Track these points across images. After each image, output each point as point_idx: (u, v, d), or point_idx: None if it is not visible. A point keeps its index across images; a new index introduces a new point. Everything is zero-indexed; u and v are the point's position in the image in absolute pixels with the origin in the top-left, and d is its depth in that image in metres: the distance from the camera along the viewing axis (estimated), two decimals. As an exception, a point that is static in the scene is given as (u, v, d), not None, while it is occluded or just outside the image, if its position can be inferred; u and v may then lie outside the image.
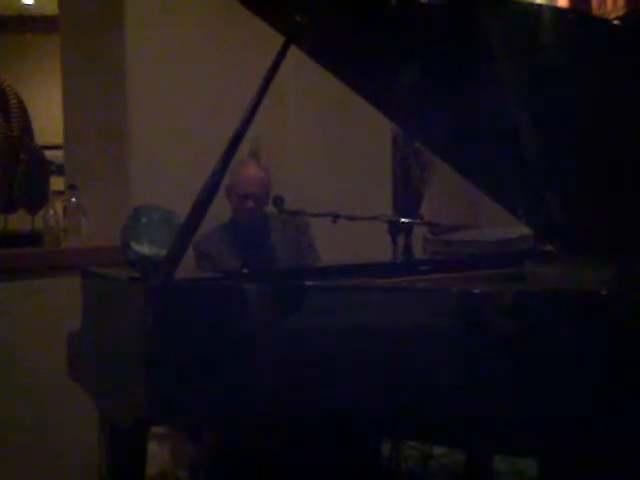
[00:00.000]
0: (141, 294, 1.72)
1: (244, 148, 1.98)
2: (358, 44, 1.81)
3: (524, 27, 1.49)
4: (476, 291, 1.55)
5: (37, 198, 2.87)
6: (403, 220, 2.42)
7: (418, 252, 2.55)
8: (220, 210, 2.39)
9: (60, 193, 3.28)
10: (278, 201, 2.52)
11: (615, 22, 1.34)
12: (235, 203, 2.65)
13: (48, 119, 3.98)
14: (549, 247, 2.18)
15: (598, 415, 1.35)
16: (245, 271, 2.05)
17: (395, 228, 2.39)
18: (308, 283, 1.76)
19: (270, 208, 2.63)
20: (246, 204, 2.62)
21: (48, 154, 3.27)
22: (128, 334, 1.76)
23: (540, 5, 1.52)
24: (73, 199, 2.86)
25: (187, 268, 1.83)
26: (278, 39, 1.82)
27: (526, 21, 1.49)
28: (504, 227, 2.48)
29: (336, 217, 2.44)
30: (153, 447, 2.21)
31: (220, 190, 1.80)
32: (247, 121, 1.76)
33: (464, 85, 1.76)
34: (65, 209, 2.91)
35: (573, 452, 1.39)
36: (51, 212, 2.82)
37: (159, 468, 2.46)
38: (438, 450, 2.58)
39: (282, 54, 1.80)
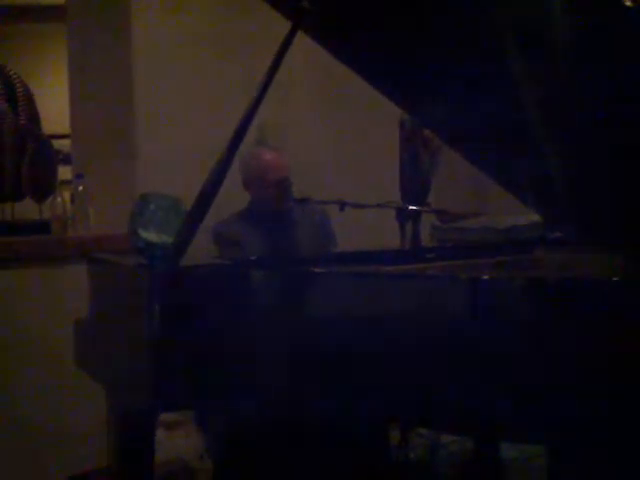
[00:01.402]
0: (148, 281, 1.71)
1: (250, 136, 1.97)
2: (365, 29, 1.79)
3: (536, 13, 1.47)
4: (485, 278, 1.54)
5: (44, 186, 2.87)
6: (411, 207, 2.40)
7: (426, 240, 2.54)
8: (227, 204, 2.38)
9: (68, 182, 3.28)
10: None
11: (628, 4, 1.32)
12: (266, 191, 2.62)
13: (55, 108, 3.97)
14: (559, 234, 2.16)
15: (605, 401, 1.35)
16: (253, 258, 2.04)
17: (403, 215, 2.38)
18: (315, 270, 1.75)
19: None
20: (282, 188, 2.59)
21: (56, 143, 3.27)
22: (135, 321, 1.76)
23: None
24: (80, 187, 2.86)
25: (198, 255, 1.83)
26: (286, 27, 1.81)
27: (538, 8, 1.47)
28: (513, 214, 2.47)
29: (343, 204, 2.43)
30: (161, 434, 2.21)
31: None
32: (253, 108, 1.75)
33: (473, 70, 1.75)
34: (72, 197, 2.92)
35: (581, 440, 1.39)
36: (58, 200, 2.82)
37: (167, 455, 2.46)
38: (446, 438, 2.58)
39: (289, 40, 1.78)
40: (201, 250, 2.01)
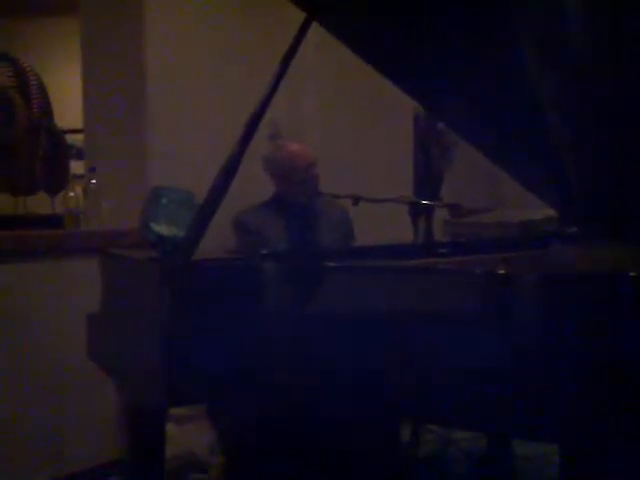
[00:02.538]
0: (159, 275, 1.71)
1: (263, 131, 1.96)
2: (380, 20, 1.78)
3: (558, 11, 1.45)
4: (500, 272, 1.52)
5: (57, 179, 2.88)
6: (424, 202, 2.40)
7: (439, 234, 2.53)
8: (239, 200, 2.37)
9: (80, 177, 3.29)
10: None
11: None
12: (296, 178, 2.64)
13: (68, 103, 3.97)
14: (574, 229, 2.14)
15: (621, 399, 1.33)
16: (264, 252, 2.04)
17: (416, 210, 2.37)
18: (326, 264, 1.74)
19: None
20: (313, 172, 2.64)
21: (69, 138, 3.28)
22: (146, 315, 1.75)
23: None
24: (93, 181, 2.87)
25: (213, 247, 1.82)
26: (300, 19, 1.79)
27: (560, 7, 1.45)
28: (528, 209, 2.45)
29: (357, 199, 2.43)
30: (172, 429, 2.21)
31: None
32: (266, 102, 1.74)
33: (487, 63, 1.73)
34: (85, 192, 2.92)
35: (593, 438, 1.37)
36: (71, 194, 2.83)
37: (178, 449, 2.46)
38: (458, 435, 2.57)
39: (302, 32, 1.77)
40: (219, 240, 2.01)
